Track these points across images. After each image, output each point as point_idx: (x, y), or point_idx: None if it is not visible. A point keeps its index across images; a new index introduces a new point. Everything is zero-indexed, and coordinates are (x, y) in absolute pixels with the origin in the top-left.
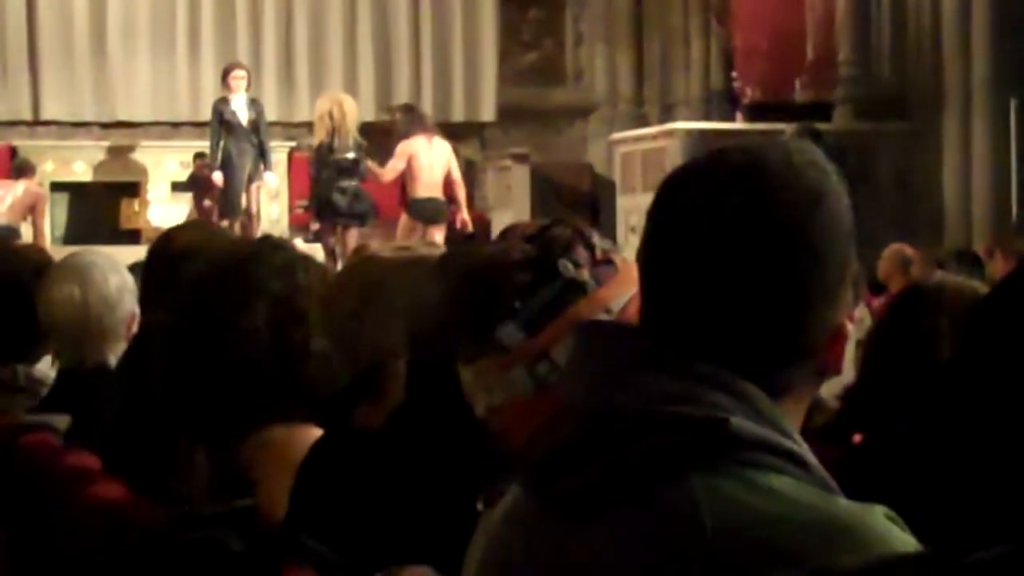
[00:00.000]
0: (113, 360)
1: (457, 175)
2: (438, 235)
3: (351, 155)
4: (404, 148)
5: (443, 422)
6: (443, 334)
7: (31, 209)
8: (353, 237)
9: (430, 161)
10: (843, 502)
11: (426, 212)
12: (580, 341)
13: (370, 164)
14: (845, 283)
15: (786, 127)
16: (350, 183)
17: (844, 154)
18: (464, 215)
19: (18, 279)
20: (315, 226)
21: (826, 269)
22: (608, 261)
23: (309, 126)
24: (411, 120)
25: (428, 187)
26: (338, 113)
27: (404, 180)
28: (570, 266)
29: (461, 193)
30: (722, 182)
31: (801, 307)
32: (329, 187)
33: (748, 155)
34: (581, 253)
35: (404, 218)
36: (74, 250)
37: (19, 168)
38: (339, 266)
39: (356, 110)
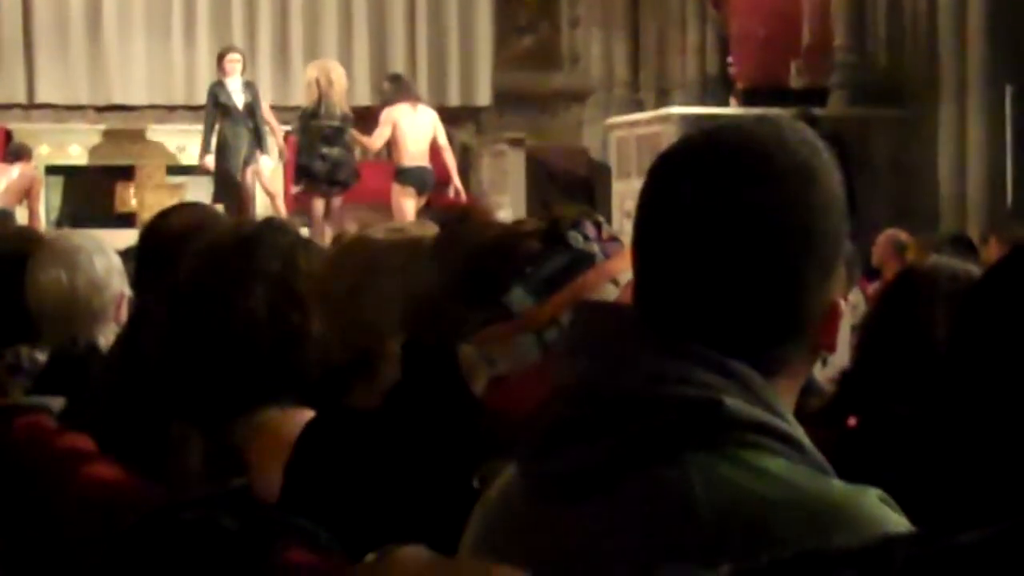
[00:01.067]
0: (103, 341)
1: (444, 141)
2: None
3: (335, 123)
4: (387, 115)
5: (438, 401)
6: (438, 313)
7: (26, 192)
8: (337, 203)
9: (414, 128)
10: (837, 483)
11: (416, 179)
12: (575, 321)
13: (356, 135)
14: (838, 260)
15: (781, 112)
16: (331, 150)
17: (840, 140)
18: (456, 182)
19: (11, 261)
20: (295, 190)
21: (819, 246)
22: (614, 239)
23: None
24: (396, 88)
25: (414, 155)
26: (325, 81)
27: (390, 149)
28: (579, 237)
29: (450, 159)
30: (714, 160)
31: (795, 284)
32: (311, 153)
33: (740, 133)
34: (589, 229)
35: (396, 187)
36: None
37: (15, 152)
38: (324, 230)
39: (344, 79)
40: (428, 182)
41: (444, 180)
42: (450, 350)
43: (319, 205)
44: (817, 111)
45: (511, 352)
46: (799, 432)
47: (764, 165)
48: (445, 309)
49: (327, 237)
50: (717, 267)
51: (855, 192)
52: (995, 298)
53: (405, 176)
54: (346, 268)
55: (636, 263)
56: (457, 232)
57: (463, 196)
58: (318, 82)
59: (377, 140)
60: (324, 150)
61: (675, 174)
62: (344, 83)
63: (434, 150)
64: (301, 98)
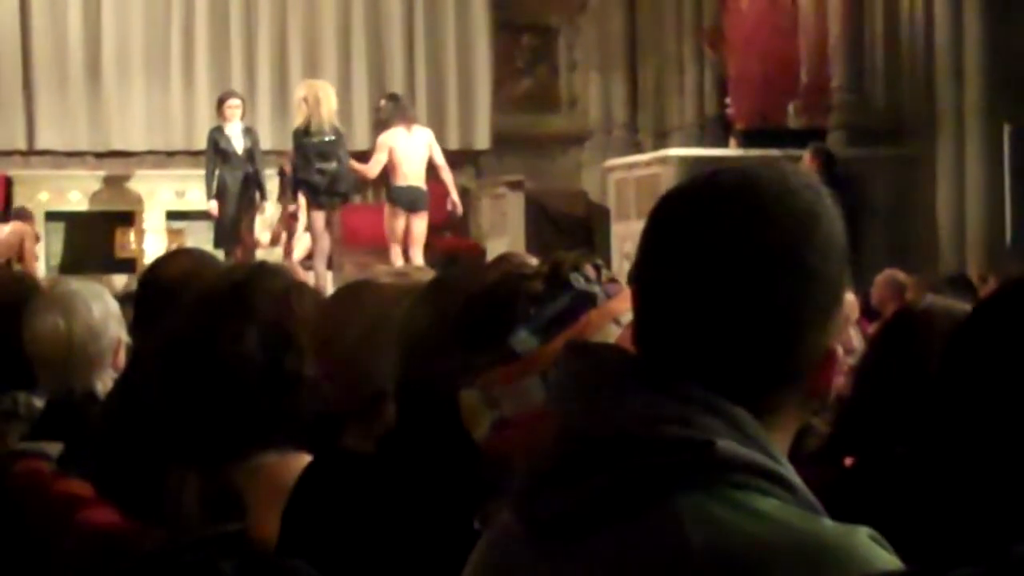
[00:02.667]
0: (100, 388)
1: (440, 160)
2: (420, 223)
3: (328, 137)
4: (383, 141)
5: (436, 444)
6: (435, 357)
7: (17, 248)
8: (338, 216)
9: (410, 150)
10: (828, 523)
11: (405, 199)
12: (568, 362)
13: (354, 164)
14: (837, 306)
15: (779, 152)
16: (327, 164)
17: (852, 182)
18: (454, 197)
19: (9, 308)
20: (293, 207)
21: (818, 291)
22: (614, 280)
23: None
24: (392, 108)
25: (407, 176)
26: (312, 99)
27: (386, 174)
28: (581, 278)
29: (447, 176)
30: (716, 203)
31: (792, 328)
32: (308, 169)
33: (743, 176)
34: (590, 271)
35: (387, 208)
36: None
37: (16, 213)
38: (326, 243)
39: (331, 96)
40: (419, 201)
41: (443, 196)
42: (447, 393)
43: (320, 218)
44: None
45: (516, 394)
46: (791, 473)
47: (766, 208)
48: (442, 352)
49: (326, 247)
50: (714, 308)
51: (857, 235)
52: (982, 334)
53: (395, 196)
54: (351, 319)
55: (636, 302)
56: (452, 275)
57: (459, 209)
58: (306, 100)
59: (374, 167)
60: (320, 165)
61: (677, 215)
62: (332, 100)
63: (431, 168)
64: None
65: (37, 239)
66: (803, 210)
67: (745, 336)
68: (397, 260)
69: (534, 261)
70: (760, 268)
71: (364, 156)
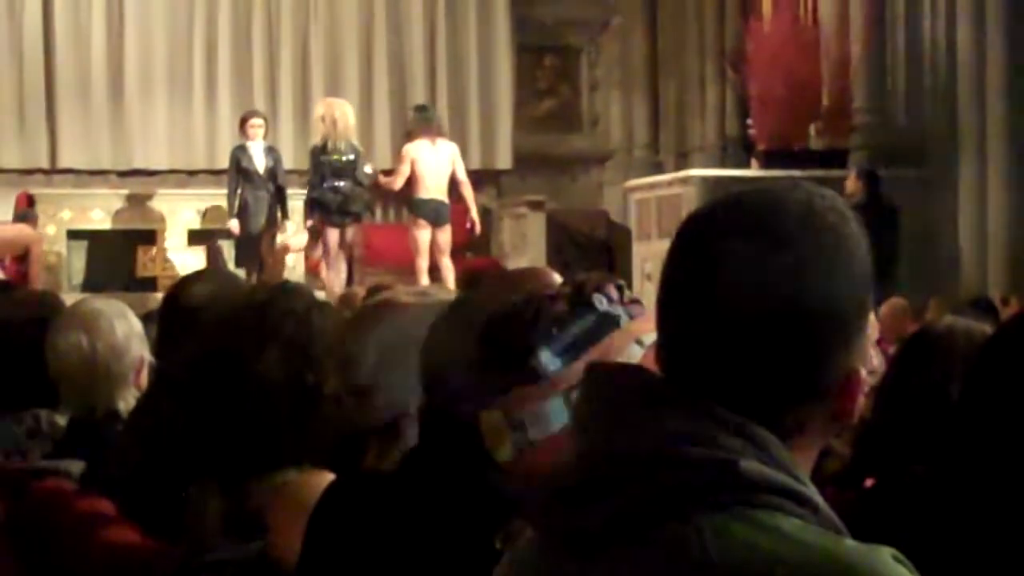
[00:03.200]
0: (123, 407)
1: (463, 175)
2: (444, 235)
3: (345, 157)
4: (406, 152)
5: (458, 464)
6: (457, 377)
7: (18, 247)
8: (350, 234)
9: (433, 163)
10: (850, 543)
11: (429, 212)
12: (591, 382)
13: (381, 179)
14: (862, 328)
15: (800, 173)
16: (341, 183)
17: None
18: (473, 216)
19: (32, 326)
20: (308, 223)
21: (842, 312)
22: (636, 301)
23: None
24: (419, 120)
25: (429, 189)
26: (329, 118)
27: (408, 184)
28: (604, 299)
29: (468, 193)
30: (742, 222)
31: (816, 348)
32: (323, 187)
33: (768, 197)
34: (613, 291)
35: (411, 220)
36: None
37: (20, 215)
38: (340, 261)
39: (349, 115)
40: (442, 215)
41: (462, 212)
42: (469, 414)
43: (334, 236)
44: (835, 172)
45: (539, 415)
46: (814, 493)
47: (791, 230)
48: (464, 373)
49: (342, 267)
50: (739, 329)
51: (895, 255)
52: (1005, 356)
53: (418, 208)
54: (369, 335)
55: (660, 322)
56: (475, 295)
57: (478, 228)
58: (323, 119)
59: (398, 180)
60: (335, 183)
61: (703, 236)
62: (349, 118)
63: (453, 183)
64: None
65: (41, 241)
66: (828, 231)
67: (770, 357)
68: (423, 274)
69: (559, 278)
70: (785, 289)
71: (387, 175)
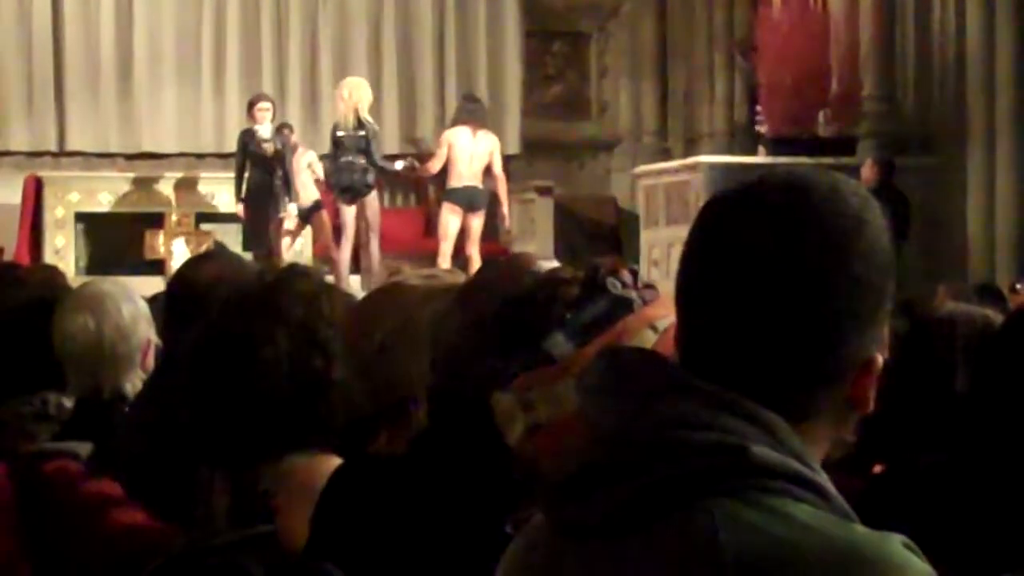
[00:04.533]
0: (129, 388)
1: (498, 170)
2: (477, 221)
3: (351, 132)
4: (444, 138)
5: (468, 447)
6: (467, 360)
7: None
8: (344, 212)
9: (470, 151)
10: (861, 530)
11: (462, 198)
12: (603, 366)
13: (418, 166)
14: (879, 315)
15: (809, 160)
16: (346, 159)
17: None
18: (505, 210)
19: (38, 308)
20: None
21: (861, 297)
22: (650, 286)
23: None
24: (462, 109)
25: (462, 176)
26: (338, 95)
27: (444, 170)
28: (618, 284)
29: (502, 188)
30: (764, 207)
31: (832, 334)
32: (331, 163)
33: (790, 181)
34: (626, 276)
35: (444, 205)
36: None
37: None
38: (352, 232)
39: (357, 91)
40: (477, 200)
41: (496, 206)
42: (480, 396)
43: (342, 213)
44: (845, 160)
45: (551, 398)
46: (824, 479)
47: (813, 213)
48: (474, 356)
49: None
50: (757, 311)
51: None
52: (1015, 344)
53: (452, 195)
54: (379, 320)
55: (680, 307)
56: (487, 279)
57: (508, 223)
58: (341, 96)
59: (436, 163)
60: (342, 158)
61: (723, 220)
62: (356, 95)
63: (488, 176)
64: (330, 145)
65: None
66: (850, 216)
67: (786, 341)
68: (445, 259)
69: (547, 264)
70: (804, 272)
71: (392, 159)
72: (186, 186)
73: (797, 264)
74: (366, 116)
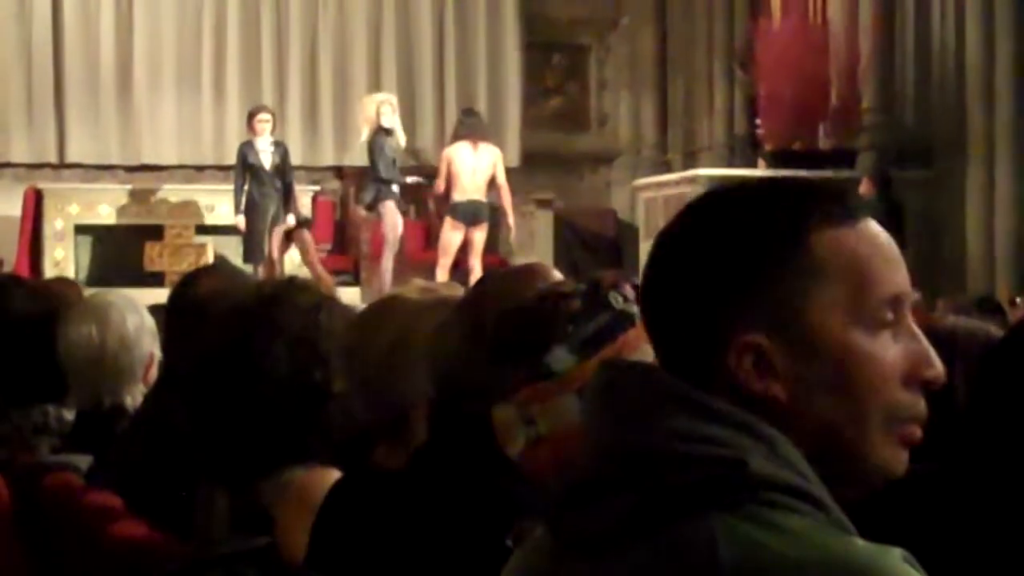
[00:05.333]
0: (129, 401)
1: (502, 180)
2: (479, 235)
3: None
4: (444, 155)
5: (468, 461)
6: (467, 373)
7: None
8: (383, 216)
9: (472, 166)
10: (860, 543)
11: (466, 213)
12: (604, 379)
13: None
14: (751, 296)
15: (808, 173)
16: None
17: (902, 209)
18: (510, 221)
19: (42, 320)
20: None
21: (719, 279)
22: None
23: (334, 170)
24: (462, 123)
25: (466, 190)
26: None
27: (447, 185)
28: (619, 298)
29: (507, 198)
30: (703, 216)
31: (701, 310)
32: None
33: (718, 190)
34: (628, 290)
35: (446, 221)
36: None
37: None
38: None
39: (366, 107)
40: (480, 214)
41: (500, 217)
42: (480, 409)
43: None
44: (845, 173)
45: (552, 412)
46: (822, 492)
47: (749, 217)
48: (474, 369)
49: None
50: (655, 286)
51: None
52: (1015, 358)
53: (455, 211)
54: (379, 335)
55: (644, 323)
56: (488, 291)
57: (513, 232)
58: (395, 109)
59: (440, 182)
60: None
61: (669, 234)
62: (365, 110)
63: (492, 188)
64: (329, 158)
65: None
66: (792, 218)
67: (673, 315)
68: (444, 273)
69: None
70: (682, 249)
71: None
72: (185, 198)
73: (677, 254)
74: (365, 129)
